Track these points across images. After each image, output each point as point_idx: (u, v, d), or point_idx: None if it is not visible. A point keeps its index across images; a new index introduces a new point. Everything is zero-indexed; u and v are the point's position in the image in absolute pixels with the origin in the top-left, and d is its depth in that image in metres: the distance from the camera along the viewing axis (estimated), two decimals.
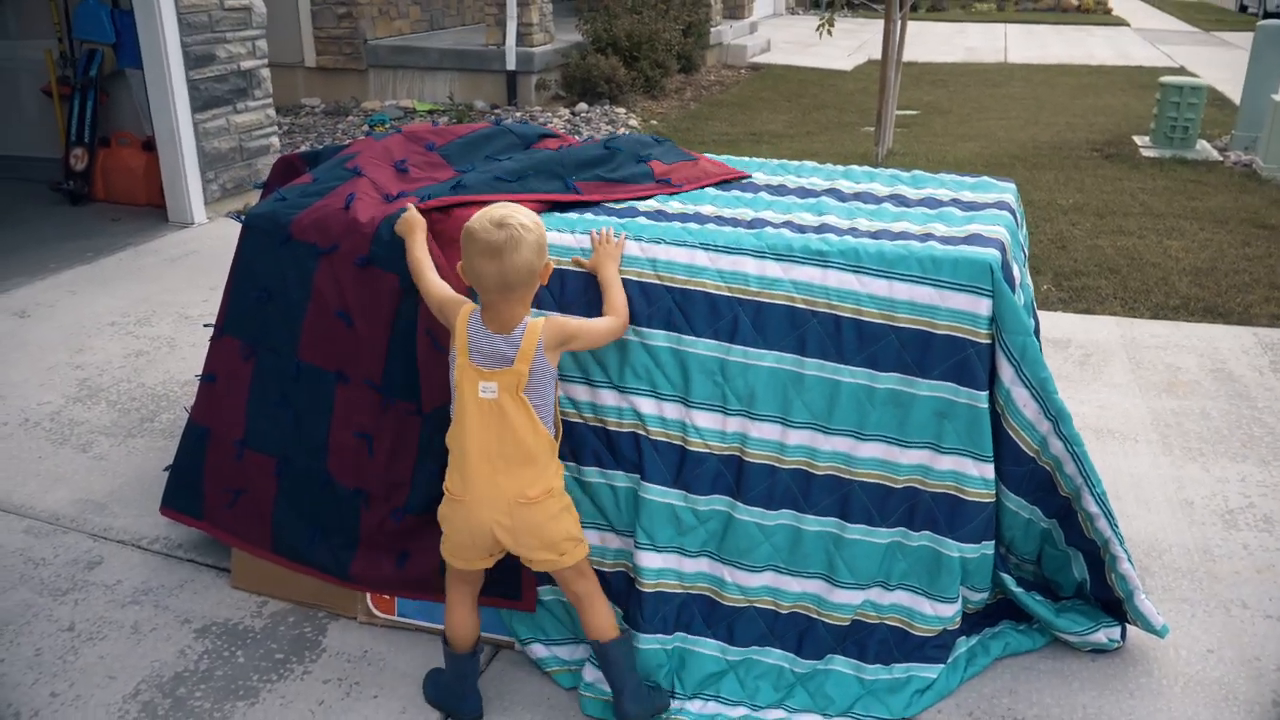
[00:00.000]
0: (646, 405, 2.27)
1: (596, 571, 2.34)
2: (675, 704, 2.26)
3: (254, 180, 5.97)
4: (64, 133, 5.88)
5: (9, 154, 6.32)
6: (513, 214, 1.99)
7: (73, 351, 4.00)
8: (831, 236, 2.24)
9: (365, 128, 8.06)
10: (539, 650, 2.36)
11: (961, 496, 2.21)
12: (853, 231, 2.29)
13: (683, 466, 2.26)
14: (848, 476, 2.23)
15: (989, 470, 2.20)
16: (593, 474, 2.33)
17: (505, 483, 2.05)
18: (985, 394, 2.16)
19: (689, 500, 2.26)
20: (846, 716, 2.22)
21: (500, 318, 2.03)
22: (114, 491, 3.05)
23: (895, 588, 2.28)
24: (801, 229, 2.31)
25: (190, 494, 2.68)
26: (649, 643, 2.26)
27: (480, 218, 1.99)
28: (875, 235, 2.26)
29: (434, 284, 2.18)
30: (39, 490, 3.06)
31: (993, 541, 2.26)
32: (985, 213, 2.42)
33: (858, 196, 2.58)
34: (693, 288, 2.22)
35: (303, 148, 7.41)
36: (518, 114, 8.49)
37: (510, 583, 2.34)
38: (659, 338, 2.25)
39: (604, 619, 2.18)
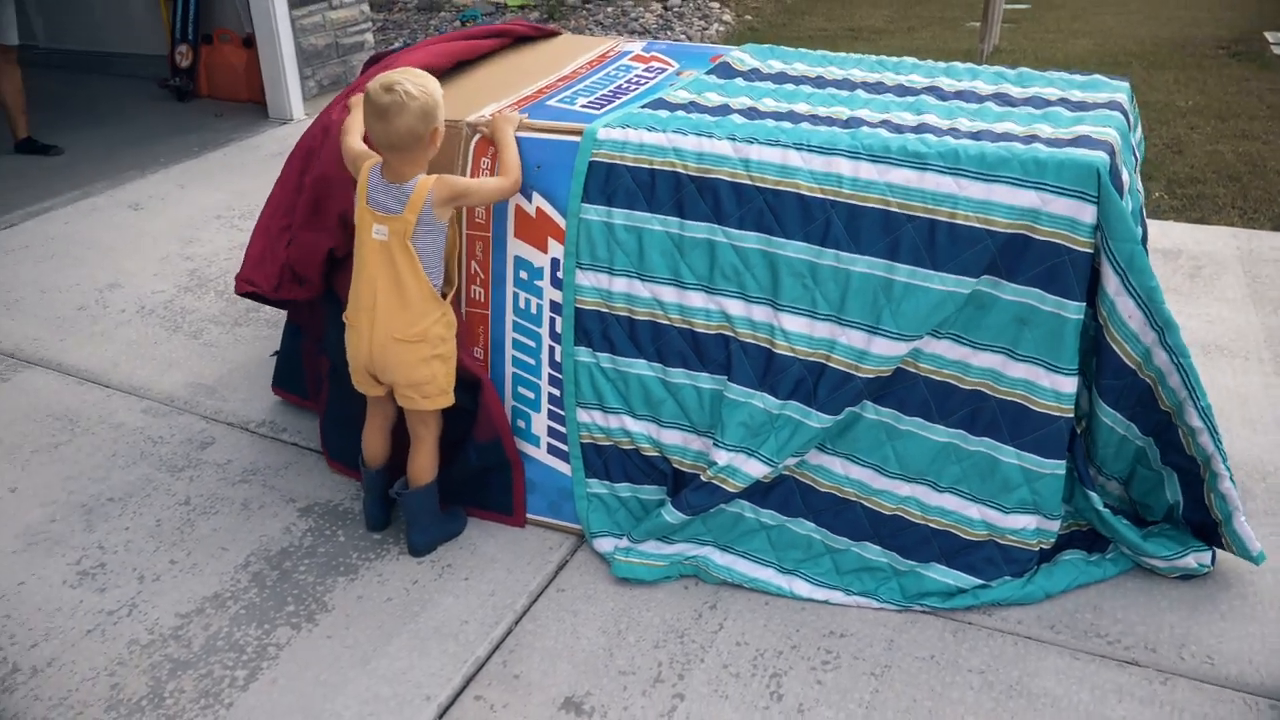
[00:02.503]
0: (735, 307, 2.27)
1: (674, 470, 2.40)
2: (701, 552, 2.34)
3: (350, 77, 6.01)
4: (169, 30, 5.99)
5: (118, 51, 6.47)
6: (403, 80, 2.12)
7: (183, 243, 4.16)
8: (930, 137, 2.17)
9: (458, 23, 8.01)
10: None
11: (1029, 406, 2.15)
12: (953, 132, 2.21)
13: (769, 369, 2.27)
14: (913, 370, 2.21)
15: (1064, 384, 2.11)
16: (679, 375, 2.36)
17: (384, 318, 2.23)
18: (1076, 304, 2.07)
19: (770, 404, 2.27)
20: (868, 598, 2.26)
21: (394, 171, 2.20)
22: (223, 377, 3.21)
23: (945, 490, 2.25)
24: (899, 129, 2.24)
25: (295, 377, 2.94)
26: (677, 517, 2.33)
27: (375, 81, 2.14)
28: (976, 136, 2.18)
29: (350, 144, 2.35)
30: (155, 374, 3.24)
31: (1064, 463, 2.18)
32: (1095, 113, 2.30)
33: (959, 95, 2.48)
34: (785, 189, 2.19)
35: (396, 45, 7.41)
36: (609, 9, 8.31)
37: (503, 501, 2.51)
38: (750, 239, 2.23)
39: (427, 465, 2.39)
